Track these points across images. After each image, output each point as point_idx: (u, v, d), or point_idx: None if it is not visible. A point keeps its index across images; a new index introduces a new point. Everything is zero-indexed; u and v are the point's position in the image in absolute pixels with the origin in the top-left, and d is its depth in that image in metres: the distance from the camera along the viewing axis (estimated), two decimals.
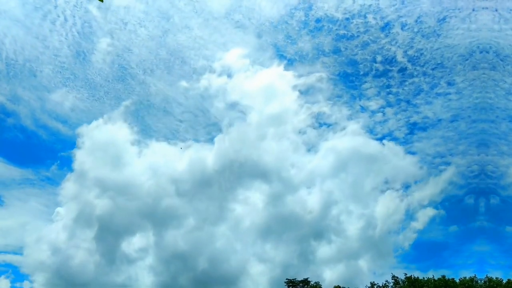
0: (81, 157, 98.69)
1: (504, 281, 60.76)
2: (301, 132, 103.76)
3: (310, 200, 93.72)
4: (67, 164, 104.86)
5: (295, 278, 64.98)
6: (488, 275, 62.49)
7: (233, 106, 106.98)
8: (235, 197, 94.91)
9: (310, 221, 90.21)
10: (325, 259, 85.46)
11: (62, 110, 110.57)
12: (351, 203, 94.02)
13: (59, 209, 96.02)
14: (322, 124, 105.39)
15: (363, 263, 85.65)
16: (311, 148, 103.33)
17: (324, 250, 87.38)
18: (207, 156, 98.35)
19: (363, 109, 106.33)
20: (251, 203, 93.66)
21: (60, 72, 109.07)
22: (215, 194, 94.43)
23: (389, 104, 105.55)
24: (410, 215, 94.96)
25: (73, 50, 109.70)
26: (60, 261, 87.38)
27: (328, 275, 79.67)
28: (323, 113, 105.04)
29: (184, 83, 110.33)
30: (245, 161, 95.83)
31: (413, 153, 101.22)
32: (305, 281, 64.66)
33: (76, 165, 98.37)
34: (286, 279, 65.67)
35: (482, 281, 61.97)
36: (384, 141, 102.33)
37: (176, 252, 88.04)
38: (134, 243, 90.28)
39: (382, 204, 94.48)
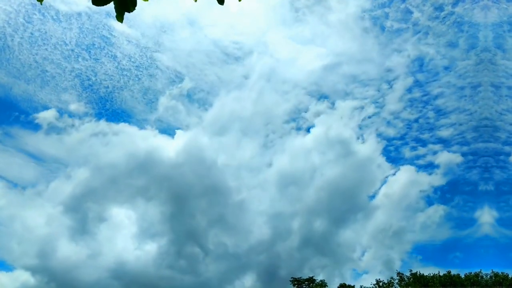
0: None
1: (510, 276, 60.71)
2: None
3: None
4: None
5: (300, 277, 65.04)
6: (493, 270, 62.44)
7: None
8: None
9: None
10: None
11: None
12: None
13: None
14: None
15: None
16: None
17: None
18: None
19: None
20: None
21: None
22: None
23: None
24: None
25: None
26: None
27: None
28: None
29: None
30: None
31: None
32: (311, 279, 64.61)
33: None
34: (291, 277, 65.76)
35: (488, 276, 61.87)
36: None
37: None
38: None
39: None
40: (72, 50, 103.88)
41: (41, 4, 4.55)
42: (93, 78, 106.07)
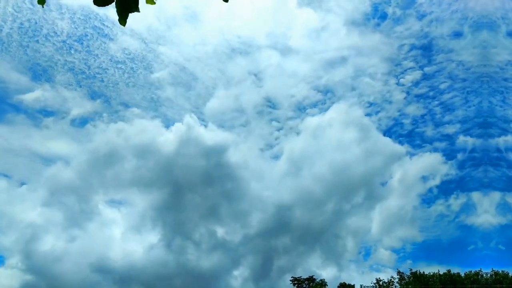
0: None
1: (510, 275, 60.49)
2: None
3: None
4: None
5: (300, 276, 64.66)
6: (494, 269, 62.22)
7: None
8: None
9: None
10: None
11: None
12: None
13: None
14: None
15: None
16: None
17: None
18: None
19: None
20: None
21: None
22: None
23: None
24: None
25: None
26: None
27: None
28: None
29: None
30: None
31: None
32: (311, 279, 64.25)
33: None
34: (292, 277, 65.39)
35: (488, 275, 61.64)
36: None
37: None
38: None
39: None
40: (64, 42, 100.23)
41: (43, 7, 3.94)
42: (87, 72, 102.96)
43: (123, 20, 3.74)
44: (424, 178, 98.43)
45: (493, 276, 61.04)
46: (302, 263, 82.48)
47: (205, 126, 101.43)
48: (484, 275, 61.61)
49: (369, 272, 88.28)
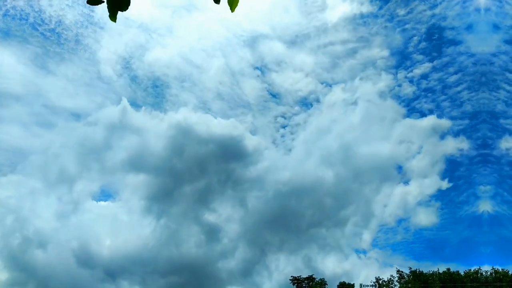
0: None
1: (510, 273, 60.76)
2: None
3: None
4: None
5: (300, 276, 64.87)
6: (494, 267, 62.51)
7: None
8: None
9: None
10: None
11: None
12: None
13: None
14: None
15: None
16: None
17: None
18: None
19: None
20: None
21: None
22: None
23: None
24: None
25: None
26: None
27: None
28: None
29: None
30: None
31: None
32: (310, 278, 64.44)
33: None
34: (291, 276, 65.61)
35: (488, 273, 61.92)
36: None
37: None
38: None
39: None
40: (53, 30, 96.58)
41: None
42: (78, 63, 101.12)
43: (113, 16, 4.13)
44: (435, 172, 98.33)
45: (493, 274, 61.32)
46: (303, 259, 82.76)
47: (208, 117, 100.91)
48: (484, 273, 61.94)
49: (378, 267, 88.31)
